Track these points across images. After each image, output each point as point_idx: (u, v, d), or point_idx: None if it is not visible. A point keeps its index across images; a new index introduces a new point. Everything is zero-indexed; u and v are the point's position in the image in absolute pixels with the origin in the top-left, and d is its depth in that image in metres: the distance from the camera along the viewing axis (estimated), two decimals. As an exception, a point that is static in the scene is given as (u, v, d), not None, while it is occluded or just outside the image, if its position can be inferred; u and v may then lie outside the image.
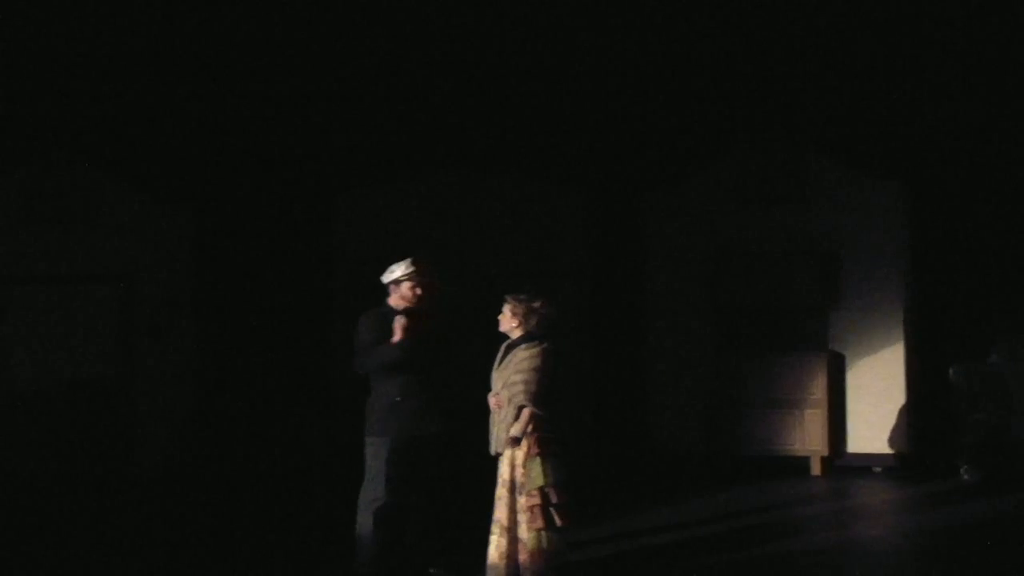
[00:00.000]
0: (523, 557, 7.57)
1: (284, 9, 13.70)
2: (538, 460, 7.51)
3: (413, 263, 8.01)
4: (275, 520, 10.77)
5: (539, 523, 7.48)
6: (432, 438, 7.93)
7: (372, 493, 7.88)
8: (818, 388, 12.60)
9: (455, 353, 8.25)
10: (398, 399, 7.87)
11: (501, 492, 7.67)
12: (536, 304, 7.81)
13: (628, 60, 13.95)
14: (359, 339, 8.04)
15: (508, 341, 7.88)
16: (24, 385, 13.37)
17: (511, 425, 7.60)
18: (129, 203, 13.58)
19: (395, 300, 8.04)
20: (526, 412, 7.54)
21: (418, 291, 7.99)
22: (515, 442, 7.56)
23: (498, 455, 7.73)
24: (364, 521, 7.90)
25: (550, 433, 7.60)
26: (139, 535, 10.18)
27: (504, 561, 7.61)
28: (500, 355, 7.88)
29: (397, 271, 8.01)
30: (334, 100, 14.11)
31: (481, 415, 7.96)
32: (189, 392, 13.58)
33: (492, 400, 7.78)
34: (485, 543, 7.74)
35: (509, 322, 7.85)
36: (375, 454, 7.91)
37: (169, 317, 13.48)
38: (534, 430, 7.55)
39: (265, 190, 14.08)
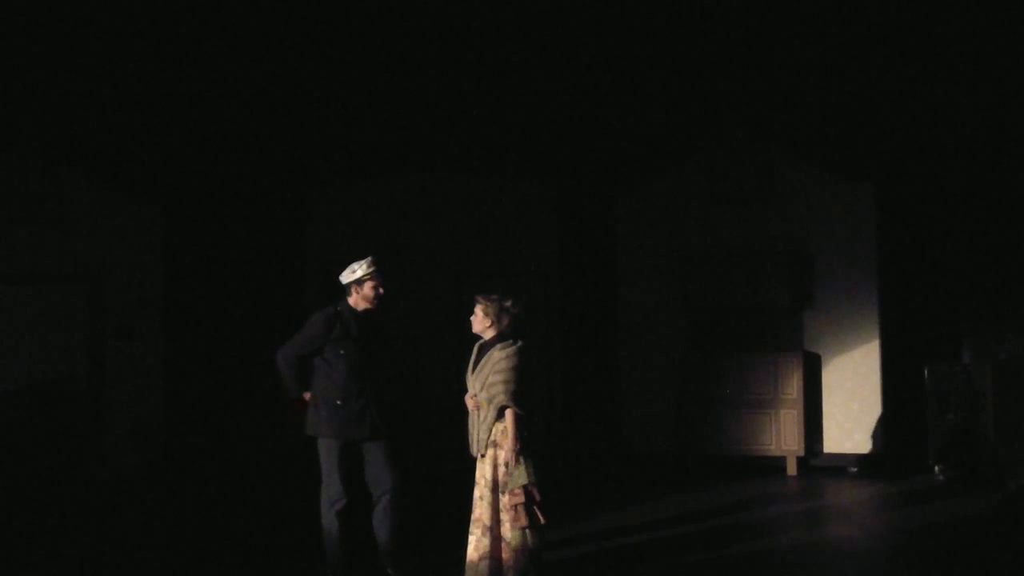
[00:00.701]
0: (506, 556, 7.53)
1: (255, 9, 13.60)
2: (520, 459, 7.46)
3: (374, 263, 7.95)
4: (246, 520, 10.68)
5: (523, 521, 7.45)
6: (369, 440, 7.93)
7: (330, 494, 7.94)
8: (793, 388, 12.60)
9: (396, 353, 8.23)
10: (338, 403, 7.90)
11: (483, 492, 7.62)
12: (507, 303, 7.77)
13: (599, 62, 13.94)
14: (301, 334, 8.01)
15: (481, 342, 7.83)
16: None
17: (491, 426, 7.56)
18: (98, 202, 13.43)
19: (355, 300, 8.00)
20: (510, 414, 7.48)
21: (380, 291, 7.97)
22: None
23: (480, 456, 7.66)
24: (329, 523, 7.96)
25: (529, 432, 7.56)
26: (107, 537, 10.08)
27: (486, 561, 7.57)
28: (474, 356, 7.83)
29: (359, 271, 7.96)
30: (305, 99, 14.04)
31: (459, 416, 7.90)
32: (158, 392, 13.46)
33: (470, 402, 7.73)
34: (461, 544, 7.68)
35: (482, 323, 7.80)
36: (326, 455, 7.99)
37: (138, 316, 13.35)
38: (517, 429, 7.49)
39: (235, 189, 14.02)
